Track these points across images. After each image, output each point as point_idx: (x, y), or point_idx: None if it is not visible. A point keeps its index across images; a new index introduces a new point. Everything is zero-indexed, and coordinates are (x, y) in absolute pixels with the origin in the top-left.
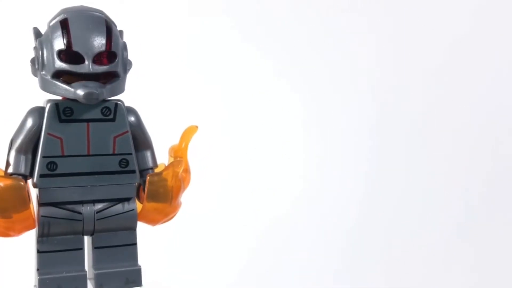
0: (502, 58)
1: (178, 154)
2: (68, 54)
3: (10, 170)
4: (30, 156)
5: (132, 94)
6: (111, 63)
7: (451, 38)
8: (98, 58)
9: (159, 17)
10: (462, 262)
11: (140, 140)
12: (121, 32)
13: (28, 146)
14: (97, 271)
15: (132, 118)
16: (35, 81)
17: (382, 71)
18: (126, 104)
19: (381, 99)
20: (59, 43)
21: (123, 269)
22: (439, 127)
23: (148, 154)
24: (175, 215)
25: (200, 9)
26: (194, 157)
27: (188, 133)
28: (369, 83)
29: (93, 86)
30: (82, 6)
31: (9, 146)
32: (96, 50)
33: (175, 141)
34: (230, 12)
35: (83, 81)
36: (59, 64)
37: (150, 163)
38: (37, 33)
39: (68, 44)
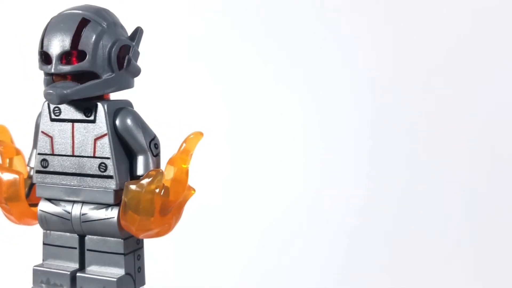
0: (502, 58)
1: (175, 163)
2: (43, 55)
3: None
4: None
5: (131, 94)
6: (80, 62)
7: (451, 38)
8: (66, 58)
9: (159, 17)
10: (465, 262)
11: (131, 145)
12: (114, 29)
13: (35, 142)
14: (79, 273)
15: (121, 121)
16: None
17: (382, 72)
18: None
19: (382, 100)
20: (39, 45)
21: (102, 277)
22: (439, 128)
23: (140, 160)
24: (167, 230)
25: (199, 10)
26: (195, 157)
27: (193, 140)
28: (369, 83)
29: (61, 86)
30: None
31: None
32: (60, 50)
33: (175, 144)
34: (230, 13)
35: (58, 81)
36: (39, 65)
37: (140, 170)
38: None
39: (41, 45)
